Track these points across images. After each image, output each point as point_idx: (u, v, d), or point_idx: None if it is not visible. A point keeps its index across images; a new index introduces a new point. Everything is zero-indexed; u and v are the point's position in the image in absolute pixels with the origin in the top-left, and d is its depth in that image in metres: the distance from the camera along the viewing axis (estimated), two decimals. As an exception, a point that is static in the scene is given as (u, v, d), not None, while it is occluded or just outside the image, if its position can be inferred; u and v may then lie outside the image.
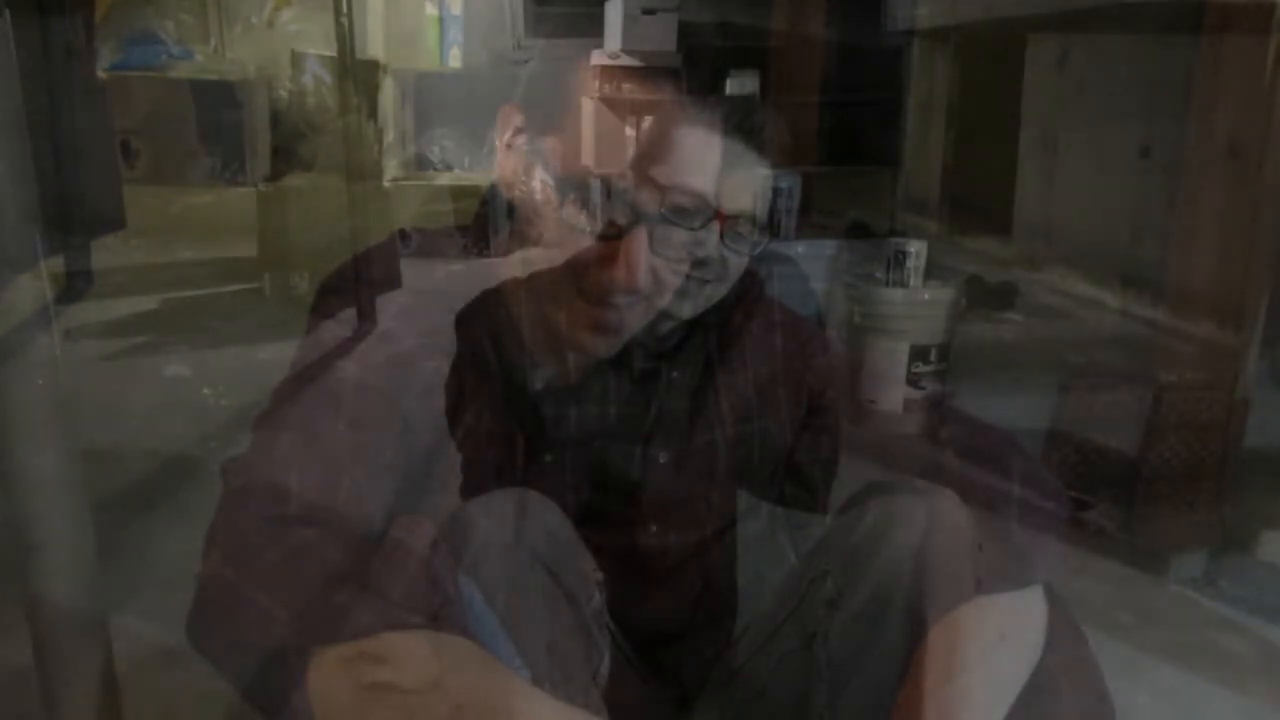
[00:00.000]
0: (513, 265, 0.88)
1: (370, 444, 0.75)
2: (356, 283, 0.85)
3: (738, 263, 0.88)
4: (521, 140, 0.87)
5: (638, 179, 0.82)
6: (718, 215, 0.83)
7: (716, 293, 0.89)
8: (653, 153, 0.83)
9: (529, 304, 0.88)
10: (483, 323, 0.87)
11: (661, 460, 0.92)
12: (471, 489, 0.83)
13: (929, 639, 0.76)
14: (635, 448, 0.91)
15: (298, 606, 0.64)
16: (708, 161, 0.83)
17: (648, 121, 0.85)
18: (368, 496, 0.73)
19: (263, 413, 0.77)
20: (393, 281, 0.86)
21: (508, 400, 0.87)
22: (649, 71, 4.25)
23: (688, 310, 0.88)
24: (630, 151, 0.85)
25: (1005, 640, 0.76)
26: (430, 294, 0.87)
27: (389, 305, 0.85)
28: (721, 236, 0.84)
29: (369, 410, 0.77)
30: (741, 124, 0.84)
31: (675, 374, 0.93)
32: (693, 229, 0.82)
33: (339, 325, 0.82)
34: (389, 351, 0.82)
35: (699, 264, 0.85)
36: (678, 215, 0.82)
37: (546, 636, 0.78)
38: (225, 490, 0.72)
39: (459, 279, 0.89)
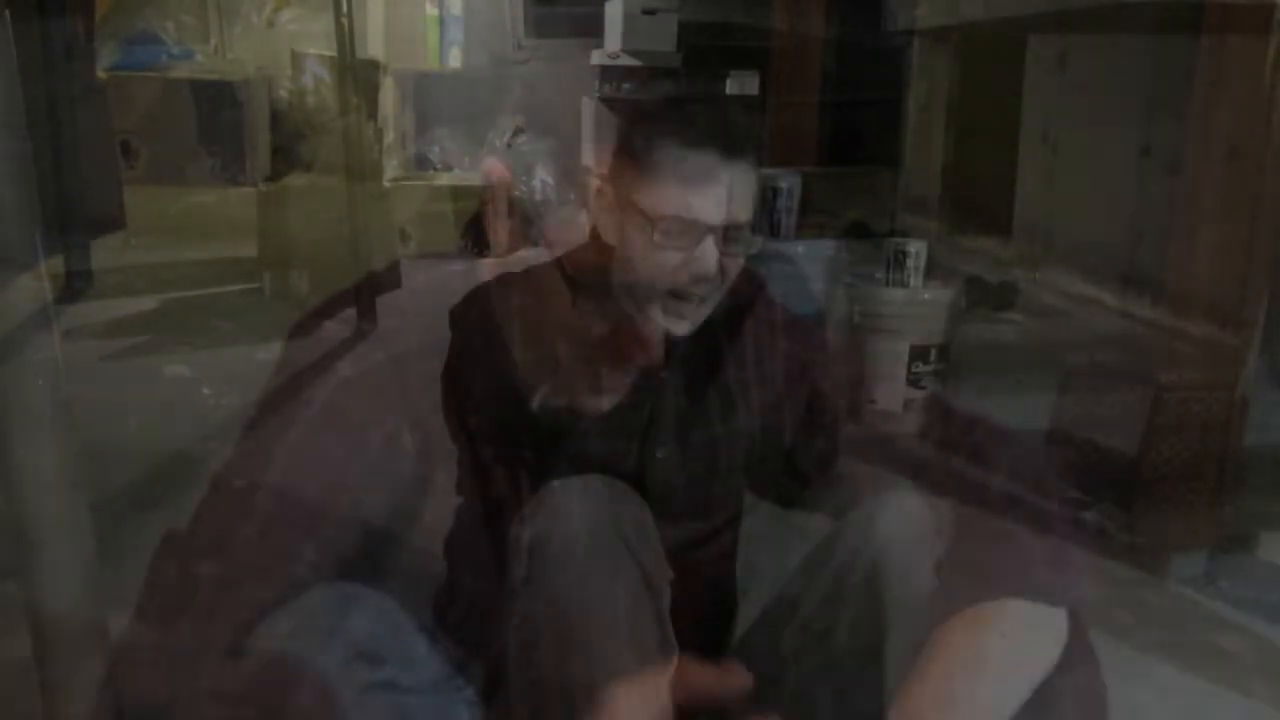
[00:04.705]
0: (511, 266, 0.88)
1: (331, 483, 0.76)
2: (356, 290, 0.86)
3: (734, 266, 0.89)
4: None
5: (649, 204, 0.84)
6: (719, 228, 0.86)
7: (714, 300, 0.90)
8: (670, 190, 0.85)
9: (552, 310, 0.89)
10: (480, 324, 0.87)
11: (659, 455, 0.92)
12: (470, 484, 0.83)
13: (934, 636, 0.76)
14: (632, 445, 0.92)
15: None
16: (722, 194, 0.86)
17: (647, 145, 0.86)
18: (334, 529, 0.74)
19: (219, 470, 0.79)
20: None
21: (504, 400, 0.88)
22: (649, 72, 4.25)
23: (687, 328, 0.89)
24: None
25: (1008, 640, 0.75)
26: (429, 294, 0.88)
27: (385, 308, 0.85)
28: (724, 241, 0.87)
29: (340, 439, 0.77)
30: (742, 140, 0.86)
31: (666, 373, 0.93)
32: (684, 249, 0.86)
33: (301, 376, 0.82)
34: (383, 354, 0.82)
35: (698, 280, 0.86)
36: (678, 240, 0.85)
37: (629, 625, 0.79)
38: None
39: (459, 279, 0.90)
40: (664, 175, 0.85)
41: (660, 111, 0.89)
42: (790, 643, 0.87)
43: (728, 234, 0.87)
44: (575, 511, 0.79)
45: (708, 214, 0.85)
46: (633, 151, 0.87)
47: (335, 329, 2.81)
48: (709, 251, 0.86)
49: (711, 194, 0.85)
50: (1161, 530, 1.76)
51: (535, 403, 0.88)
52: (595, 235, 0.90)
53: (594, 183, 0.89)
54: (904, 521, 0.84)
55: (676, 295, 0.87)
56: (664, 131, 0.85)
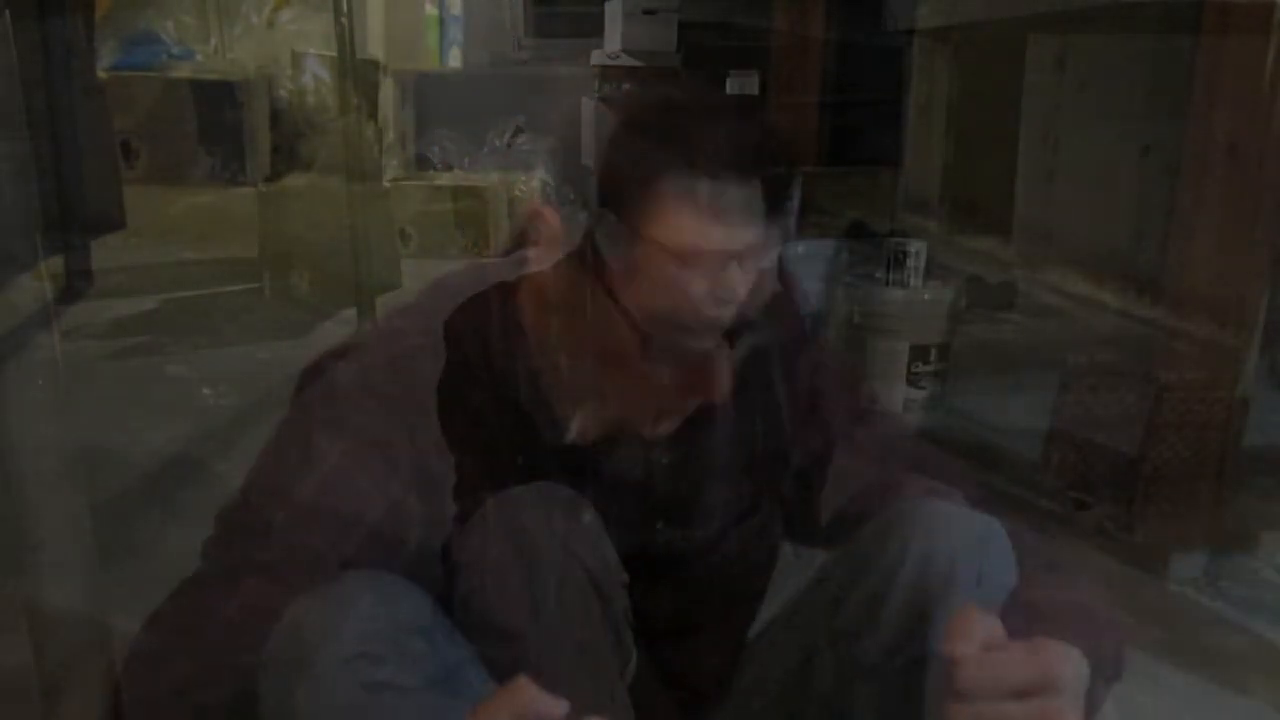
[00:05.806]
0: (513, 265, 0.87)
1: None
2: (356, 286, 0.86)
3: (762, 283, 0.84)
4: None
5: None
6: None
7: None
8: (683, 221, 0.77)
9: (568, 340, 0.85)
10: (479, 338, 0.85)
11: (664, 462, 0.92)
12: (465, 488, 0.83)
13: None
14: (636, 452, 0.91)
15: None
16: (745, 216, 0.79)
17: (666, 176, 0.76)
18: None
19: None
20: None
21: (505, 417, 0.86)
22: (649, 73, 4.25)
23: (707, 345, 0.84)
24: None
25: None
26: (439, 293, 0.87)
27: (393, 307, 0.84)
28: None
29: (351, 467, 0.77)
30: (760, 150, 0.81)
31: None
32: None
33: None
34: (389, 352, 0.82)
35: (724, 306, 0.80)
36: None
37: (579, 632, 0.78)
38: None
39: (467, 279, 0.88)
40: (675, 206, 0.76)
41: (661, 131, 0.79)
42: (836, 652, 0.86)
43: (754, 252, 0.79)
44: (511, 524, 0.77)
45: (731, 241, 0.77)
46: (635, 178, 0.77)
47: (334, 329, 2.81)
48: (735, 277, 0.78)
49: (733, 219, 0.77)
50: (1161, 530, 1.76)
51: (544, 425, 0.86)
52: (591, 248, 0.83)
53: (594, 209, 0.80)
54: (962, 525, 0.81)
55: (700, 318, 0.79)
56: (669, 157, 0.76)
